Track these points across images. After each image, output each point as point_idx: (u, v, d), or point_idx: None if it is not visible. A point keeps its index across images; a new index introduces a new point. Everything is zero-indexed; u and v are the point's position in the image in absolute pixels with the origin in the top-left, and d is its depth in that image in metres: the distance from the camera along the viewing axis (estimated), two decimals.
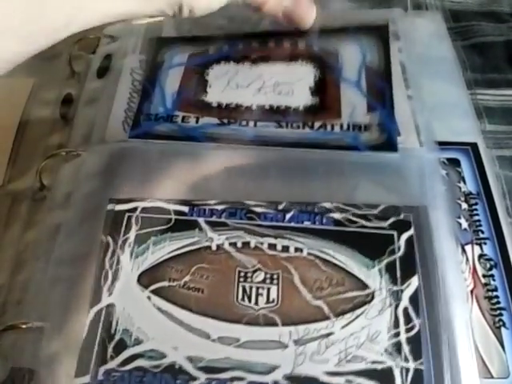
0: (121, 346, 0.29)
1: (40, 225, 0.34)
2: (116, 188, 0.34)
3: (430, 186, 0.33)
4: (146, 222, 0.32)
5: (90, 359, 0.28)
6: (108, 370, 0.28)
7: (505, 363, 0.29)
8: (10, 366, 0.30)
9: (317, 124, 0.36)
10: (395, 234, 0.31)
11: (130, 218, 0.32)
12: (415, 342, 0.28)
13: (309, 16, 0.39)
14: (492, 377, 0.29)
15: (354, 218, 0.32)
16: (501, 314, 0.30)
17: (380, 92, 0.37)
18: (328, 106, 0.37)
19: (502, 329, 0.30)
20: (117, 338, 0.29)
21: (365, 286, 0.30)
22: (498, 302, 0.31)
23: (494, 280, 0.31)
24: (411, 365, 0.28)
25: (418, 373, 0.27)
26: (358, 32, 0.40)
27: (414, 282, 0.30)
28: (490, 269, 0.32)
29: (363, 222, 0.32)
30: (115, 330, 0.29)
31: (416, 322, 0.29)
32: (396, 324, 0.29)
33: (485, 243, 0.33)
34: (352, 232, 0.32)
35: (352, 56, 0.39)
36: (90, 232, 0.32)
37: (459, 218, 0.33)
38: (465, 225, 0.33)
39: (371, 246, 0.31)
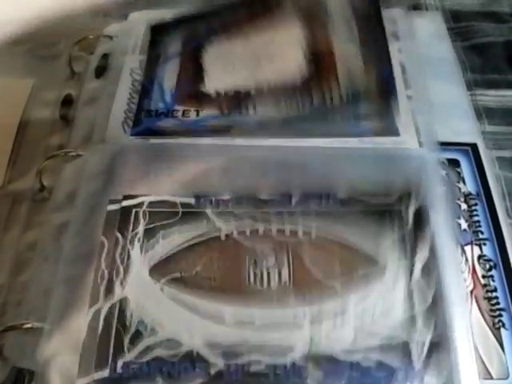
0: (137, 338, 0.29)
1: (41, 225, 0.34)
2: (119, 186, 0.34)
3: (429, 187, 0.33)
4: (153, 216, 0.32)
5: (108, 353, 0.28)
6: (126, 362, 0.28)
7: (504, 364, 0.29)
8: (10, 367, 0.30)
9: (316, 98, 0.36)
10: (402, 208, 0.32)
11: (137, 213, 0.33)
12: (429, 315, 0.29)
13: None
14: (491, 378, 0.29)
15: (360, 197, 0.32)
16: (500, 315, 0.30)
17: (371, 36, 0.38)
18: (324, 67, 0.37)
19: (502, 330, 0.30)
20: (132, 329, 0.29)
21: (375, 262, 0.30)
22: (498, 303, 0.31)
23: (493, 281, 0.31)
24: (427, 337, 0.28)
25: (433, 345, 0.28)
26: None
27: (425, 254, 0.30)
28: (490, 269, 0.32)
29: (369, 200, 0.32)
30: (130, 322, 0.29)
31: (429, 294, 0.29)
32: (409, 298, 0.29)
33: (484, 244, 0.33)
34: (359, 210, 0.32)
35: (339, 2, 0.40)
36: (94, 231, 0.32)
37: (459, 218, 0.33)
38: (464, 225, 0.33)
39: (379, 223, 0.31)
